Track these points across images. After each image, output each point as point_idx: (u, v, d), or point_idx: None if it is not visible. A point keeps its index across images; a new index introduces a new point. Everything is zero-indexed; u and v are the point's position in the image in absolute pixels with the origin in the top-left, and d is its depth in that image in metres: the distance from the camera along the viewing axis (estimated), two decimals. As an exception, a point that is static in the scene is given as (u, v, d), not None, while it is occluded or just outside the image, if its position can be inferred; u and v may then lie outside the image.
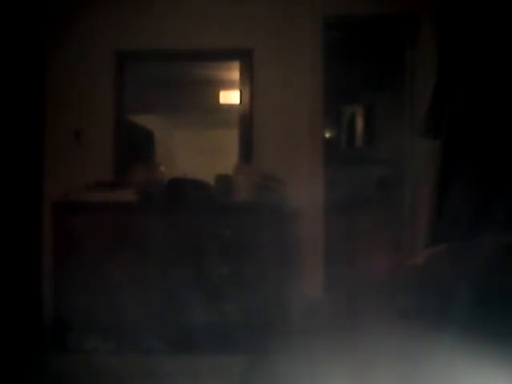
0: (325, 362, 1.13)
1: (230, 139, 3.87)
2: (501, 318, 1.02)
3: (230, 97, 3.96)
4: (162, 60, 3.94)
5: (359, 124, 4.78)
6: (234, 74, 3.88)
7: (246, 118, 3.84)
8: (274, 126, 3.83)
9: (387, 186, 4.38)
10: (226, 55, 3.89)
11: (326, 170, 3.83)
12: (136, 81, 3.92)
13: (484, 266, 1.13)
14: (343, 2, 3.84)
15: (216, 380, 2.77)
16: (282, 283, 3.39)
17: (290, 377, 1.18)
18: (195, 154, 3.91)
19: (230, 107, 3.96)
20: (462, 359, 0.99)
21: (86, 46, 3.88)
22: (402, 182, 4.09)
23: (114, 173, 3.84)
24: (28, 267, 3.65)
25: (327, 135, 4.62)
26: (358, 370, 1.07)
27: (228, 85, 3.98)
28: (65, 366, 3.05)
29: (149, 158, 3.94)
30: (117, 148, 3.88)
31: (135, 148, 3.93)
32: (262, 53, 3.84)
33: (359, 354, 1.10)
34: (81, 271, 3.32)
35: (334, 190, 3.90)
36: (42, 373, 2.95)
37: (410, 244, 3.82)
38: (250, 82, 3.85)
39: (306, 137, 3.80)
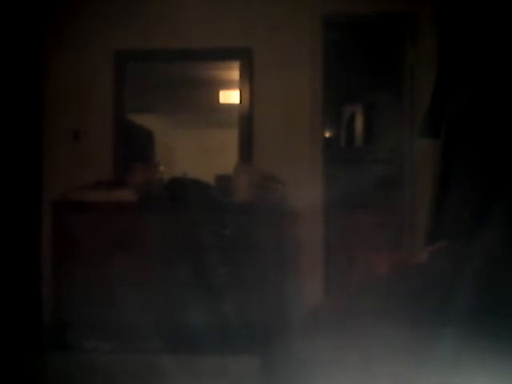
0: (325, 362, 1.13)
1: (230, 139, 3.87)
2: (502, 316, 1.02)
3: (230, 96, 3.95)
4: (161, 60, 3.94)
5: (359, 124, 4.78)
6: (234, 73, 3.88)
7: (246, 118, 3.84)
8: (274, 126, 3.83)
9: (387, 186, 4.38)
10: (225, 55, 3.89)
11: (325, 169, 3.83)
12: (136, 81, 3.92)
13: (485, 263, 1.13)
14: (343, 1, 3.84)
15: (216, 380, 2.77)
16: (282, 283, 3.39)
17: (289, 377, 1.18)
18: (195, 154, 3.91)
19: (229, 107, 3.96)
20: (463, 358, 0.99)
21: (85, 45, 3.87)
22: (401, 181, 4.09)
23: (113, 172, 3.84)
24: (28, 267, 3.65)
25: (327, 135, 4.62)
26: (358, 370, 1.08)
27: (228, 84, 3.98)
28: (65, 365, 3.05)
29: (148, 157, 3.94)
30: (116, 148, 3.88)
31: (135, 148, 3.93)
32: (262, 52, 3.83)
33: (359, 354, 1.10)
34: (80, 271, 3.32)
35: (334, 190, 3.90)
36: (42, 373, 2.95)
37: (410, 243, 3.82)
38: (249, 81, 3.84)
39: (305, 137, 3.80)
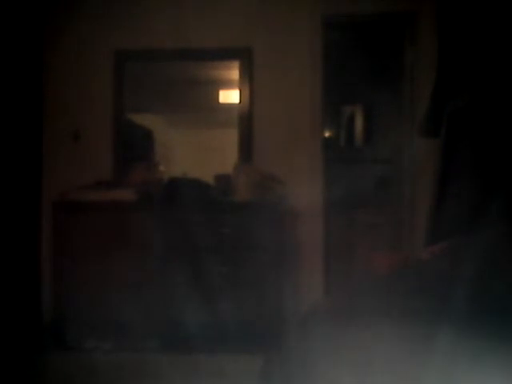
0: (324, 362, 1.13)
1: (230, 139, 3.87)
2: (502, 316, 1.02)
3: (230, 96, 3.95)
4: (161, 60, 3.94)
5: (358, 123, 4.79)
6: (234, 73, 3.88)
7: (246, 118, 3.84)
8: (274, 126, 3.82)
9: (386, 185, 4.38)
10: (225, 54, 3.89)
11: (325, 169, 3.83)
12: (135, 80, 3.92)
13: (485, 263, 1.13)
14: (343, 1, 3.84)
15: (215, 380, 2.77)
16: (282, 283, 3.39)
17: (289, 378, 1.18)
18: (195, 154, 3.91)
19: (229, 106, 3.96)
20: (463, 358, 0.98)
21: (85, 45, 3.87)
22: (401, 181, 4.09)
23: (113, 172, 3.84)
24: (27, 267, 3.65)
25: (327, 135, 4.62)
26: (357, 370, 1.07)
27: (227, 84, 3.98)
28: (65, 365, 3.05)
29: (148, 157, 3.93)
30: (116, 147, 3.88)
31: (134, 147, 3.93)
32: (262, 52, 3.83)
33: (359, 354, 1.10)
34: (80, 271, 3.31)
35: (334, 190, 3.90)
36: (42, 373, 2.95)
37: (410, 243, 3.82)
38: (249, 81, 3.84)
39: (305, 136, 3.80)
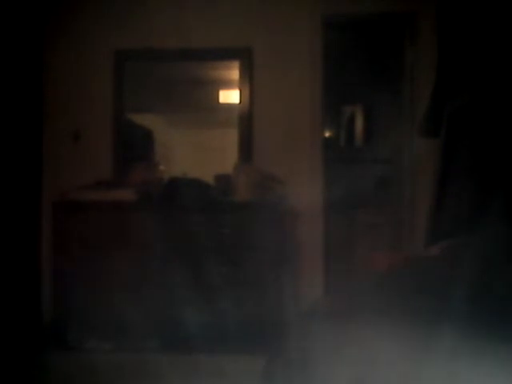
0: (324, 362, 1.13)
1: (230, 139, 3.87)
2: (501, 316, 1.02)
3: (230, 96, 3.95)
4: (161, 60, 3.94)
5: (358, 123, 4.79)
6: (234, 73, 3.88)
7: (246, 118, 3.84)
8: (274, 126, 3.82)
9: (386, 186, 4.38)
10: (225, 54, 3.89)
11: (325, 169, 3.83)
12: (135, 80, 3.92)
13: (485, 263, 1.13)
14: (343, 1, 3.84)
15: (215, 380, 2.77)
16: (282, 282, 3.39)
17: (289, 378, 1.18)
18: (195, 154, 3.91)
19: (229, 106, 3.96)
20: (463, 358, 0.99)
21: (85, 45, 3.88)
22: (401, 181, 4.09)
23: (113, 172, 3.84)
24: (28, 267, 3.65)
25: (327, 135, 4.62)
26: (357, 369, 1.07)
27: (227, 84, 3.98)
28: (65, 365, 3.05)
29: (148, 157, 3.94)
30: (116, 147, 3.88)
31: (134, 147, 3.93)
32: (262, 52, 3.83)
33: (359, 354, 1.10)
34: (81, 271, 3.32)
35: (334, 190, 3.90)
36: (42, 373, 2.95)
37: (410, 243, 3.82)
38: (249, 81, 3.84)
39: (305, 136, 3.80)
